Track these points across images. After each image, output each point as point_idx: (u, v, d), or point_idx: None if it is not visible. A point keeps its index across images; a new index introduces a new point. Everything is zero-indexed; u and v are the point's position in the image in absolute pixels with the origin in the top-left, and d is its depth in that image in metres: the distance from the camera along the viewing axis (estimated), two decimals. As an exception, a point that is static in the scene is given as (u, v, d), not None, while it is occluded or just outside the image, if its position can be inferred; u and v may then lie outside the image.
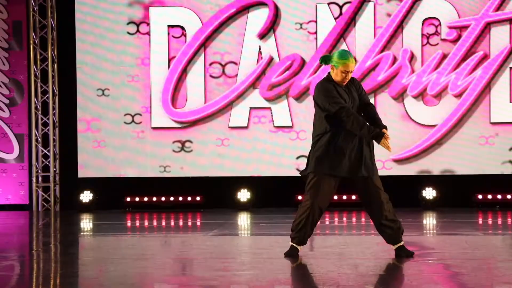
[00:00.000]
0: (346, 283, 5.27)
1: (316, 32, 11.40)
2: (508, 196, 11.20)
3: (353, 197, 11.26)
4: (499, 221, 9.74)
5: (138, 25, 11.59)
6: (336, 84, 6.12)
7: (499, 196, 11.22)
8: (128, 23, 11.59)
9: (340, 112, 5.99)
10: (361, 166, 6.08)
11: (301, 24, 11.42)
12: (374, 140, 6.06)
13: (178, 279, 5.57)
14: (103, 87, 11.57)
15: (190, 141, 11.52)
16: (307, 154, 11.14)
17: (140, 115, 11.54)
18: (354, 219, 10.04)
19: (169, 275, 5.71)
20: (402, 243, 6.24)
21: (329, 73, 6.21)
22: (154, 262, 6.26)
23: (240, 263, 6.20)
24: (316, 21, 11.40)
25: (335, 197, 11.35)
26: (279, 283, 5.30)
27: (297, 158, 11.42)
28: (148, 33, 11.57)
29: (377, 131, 6.00)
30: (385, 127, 6.09)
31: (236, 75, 11.51)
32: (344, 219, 10.17)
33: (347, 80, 6.14)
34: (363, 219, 9.99)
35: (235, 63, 11.50)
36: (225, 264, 6.17)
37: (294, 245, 6.27)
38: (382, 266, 5.96)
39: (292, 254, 6.24)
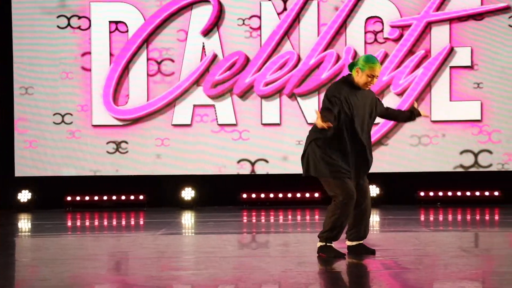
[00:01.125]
0: (283, 281, 5.24)
1: (260, 29, 11.36)
2: (449, 193, 11.40)
3: (307, 194, 11.28)
4: (441, 217, 9.89)
5: (79, 18, 11.33)
6: (352, 87, 6.03)
7: (440, 193, 11.40)
8: (70, 17, 11.31)
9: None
10: (364, 171, 6.17)
11: (243, 20, 11.36)
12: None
13: (135, 279, 5.43)
14: (39, 83, 11.27)
15: (127, 141, 11.31)
16: (251, 152, 11.33)
17: (75, 113, 11.27)
18: (308, 217, 10.05)
19: (125, 274, 5.57)
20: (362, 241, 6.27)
21: (350, 74, 6.11)
22: (104, 262, 6.10)
23: (195, 262, 6.09)
24: (260, 18, 11.36)
25: (289, 195, 11.37)
26: (241, 281, 5.22)
27: (239, 161, 11.36)
28: (88, 28, 11.32)
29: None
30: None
31: (180, 73, 11.38)
32: (298, 217, 10.16)
33: (372, 85, 6.09)
34: (316, 217, 10.01)
35: (177, 60, 11.35)
36: (180, 263, 6.06)
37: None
38: (339, 263, 5.95)
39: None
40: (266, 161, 11.37)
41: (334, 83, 6.18)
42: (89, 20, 11.33)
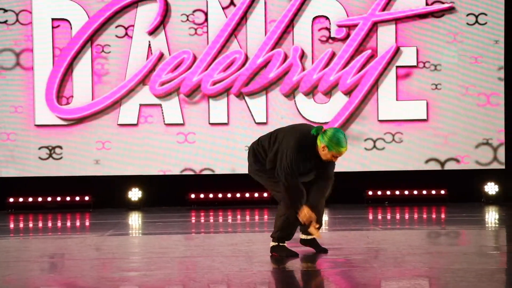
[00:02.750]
0: (239, 280, 5.16)
1: (207, 27, 11.26)
2: (397, 192, 11.48)
3: (256, 194, 11.22)
4: (389, 216, 9.95)
5: (17, 14, 11.05)
6: (309, 153, 5.91)
7: (388, 192, 11.47)
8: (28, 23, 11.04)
9: (284, 179, 5.84)
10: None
11: (187, 16, 11.23)
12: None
13: (85, 281, 5.27)
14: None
15: (72, 141, 11.08)
16: (198, 151, 11.20)
17: (14, 113, 11.00)
18: (257, 217, 9.98)
19: (75, 276, 5.40)
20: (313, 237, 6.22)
21: (313, 136, 5.92)
22: (51, 264, 5.92)
23: (147, 262, 5.96)
24: (206, 19, 11.25)
25: (238, 195, 11.28)
26: (194, 281, 5.12)
27: (183, 169, 11.25)
28: (30, 25, 11.04)
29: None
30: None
31: (125, 72, 11.19)
32: (247, 217, 10.08)
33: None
34: (265, 217, 9.95)
35: (123, 59, 11.16)
36: (131, 264, 5.92)
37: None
38: (293, 262, 5.89)
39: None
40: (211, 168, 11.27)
41: (295, 144, 5.87)
42: (31, 17, 11.04)
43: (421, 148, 11.41)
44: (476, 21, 11.36)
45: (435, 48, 11.40)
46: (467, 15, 11.37)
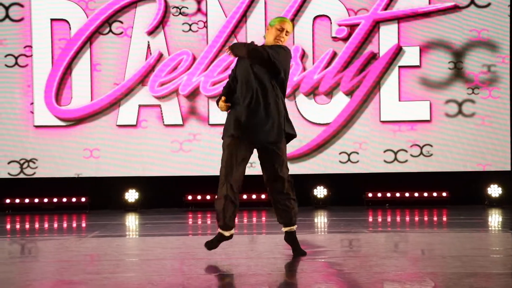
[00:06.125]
0: (223, 283, 5.04)
1: (206, 28, 11.16)
2: (397, 194, 11.27)
3: (253, 196, 11.11)
4: (385, 219, 9.76)
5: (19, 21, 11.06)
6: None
7: (388, 194, 11.27)
8: (20, 20, 11.04)
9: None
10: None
11: (189, 17, 11.15)
12: None
13: (43, 283, 5.19)
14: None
15: (74, 142, 11.05)
16: (198, 153, 11.09)
17: (15, 114, 11.00)
18: (254, 219, 9.87)
19: (34, 279, 5.32)
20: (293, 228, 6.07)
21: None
22: (20, 266, 5.85)
23: (115, 265, 5.86)
24: (206, 16, 11.16)
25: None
26: (153, 284, 5.01)
27: (180, 167, 11.16)
28: (30, 28, 11.04)
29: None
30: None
31: (124, 72, 11.13)
32: (244, 219, 9.94)
33: (283, 41, 5.94)
34: (263, 219, 9.83)
35: (122, 60, 11.11)
36: (98, 267, 5.83)
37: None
38: (264, 265, 5.75)
39: None
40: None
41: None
42: (30, 17, 11.04)
43: (425, 150, 11.18)
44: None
45: (438, 47, 11.15)
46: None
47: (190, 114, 11.19)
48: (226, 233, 6.00)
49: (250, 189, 11.20)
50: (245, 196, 11.19)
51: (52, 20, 11.11)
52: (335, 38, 11.21)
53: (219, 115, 11.19)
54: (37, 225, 9.59)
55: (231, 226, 6.00)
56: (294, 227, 6.07)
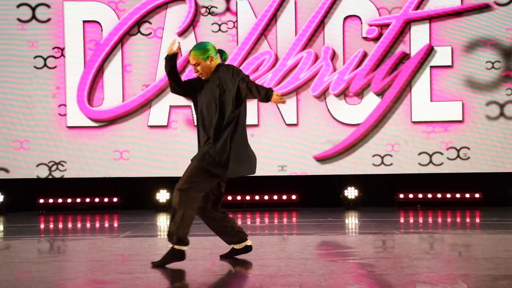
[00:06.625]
0: (254, 284, 5.05)
1: (236, 28, 11.18)
2: (429, 195, 11.19)
3: (284, 197, 11.11)
4: (420, 220, 9.69)
5: (49, 20, 11.17)
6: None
7: (420, 195, 11.19)
8: (47, 21, 11.14)
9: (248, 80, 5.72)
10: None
11: (219, 18, 11.17)
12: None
13: (76, 282, 5.24)
14: (18, 83, 11.11)
15: (104, 142, 11.14)
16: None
17: (50, 116, 11.11)
18: (285, 220, 9.87)
19: (67, 278, 5.38)
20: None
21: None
22: (54, 265, 5.92)
23: (146, 265, 5.89)
24: (236, 16, 11.18)
25: (266, 197, 11.19)
26: (184, 285, 5.03)
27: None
28: (62, 29, 11.15)
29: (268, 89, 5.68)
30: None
31: (155, 73, 11.19)
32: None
33: (201, 76, 5.78)
34: (293, 219, 9.82)
35: (153, 61, 11.17)
36: (130, 266, 5.87)
37: None
38: (294, 266, 5.75)
39: None
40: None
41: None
42: (63, 20, 11.15)
43: (458, 150, 11.08)
44: (514, 19, 11.02)
45: (470, 46, 11.04)
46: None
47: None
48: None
49: (281, 190, 11.22)
50: (275, 197, 11.20)
51: (84, 22, 11.20)
52: (365, 38, 11.16)
53: (250, 116, 11.15)
54: (70, 225, 9.68)
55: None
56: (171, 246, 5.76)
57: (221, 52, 5.89)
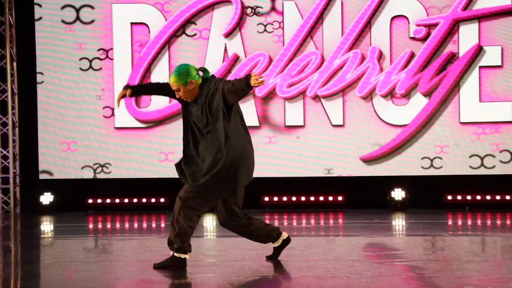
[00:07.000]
0: (302, 286, 5.04)
1: (283, 29, 11.17)
2: (478, 197, 11.03)
3: (330, 198, 11.08)
4: (469, 222, 9.56)
5: (102, 22, 11.30)
6: None
7: (468, 197, 11.03)
8: (91, 22, 11.29)
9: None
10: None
11: (265, 18, 11.17)
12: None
13: (125, 282, 5.30)
14: (64, 85, 11.26)
15: (151, 142, 11.23)
16: (274, 155, 11.11)
17: (98, 115, 11.25)
18: (331, 221, 9.84)
19: (117, 278, 5.44)
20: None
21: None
22: (103, 265, 5.99)
23: (194, 266, 5.93)
24: (282, 17, 11.17)
25: (312, 198, 11.15)
26: (232, 286, 5.05)
27: (256, 169, 11.19)
28: (110, 31, 11.28)
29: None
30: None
31: (202, 74, 11.25)
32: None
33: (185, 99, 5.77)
34: (340, 221, 9.79)
35: (200, 62, 11.22)
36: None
37: None
38: (342, 268, 5.72)
39: None
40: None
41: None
42: (111, 22, 11.27)
43: (508, 152, 10.90)
44: None
45: (520, 46, 10.89)
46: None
47: (266, 116, 11.22)
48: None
49: (327, 191, 11.18)
50: (321, 198, 11.17)
51: (132, 23, 11.31)
52: (413, 39, 11.06)
53: (295, 117, 11.20)
54: (118, 225, 9.79)
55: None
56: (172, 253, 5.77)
57: (203, 70, 5.82)
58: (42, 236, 8.90)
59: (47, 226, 9.87)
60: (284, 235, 6.06)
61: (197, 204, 5.65)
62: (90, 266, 5.98)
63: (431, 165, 11.00)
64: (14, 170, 11.53)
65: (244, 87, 5.50)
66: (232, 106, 5.67)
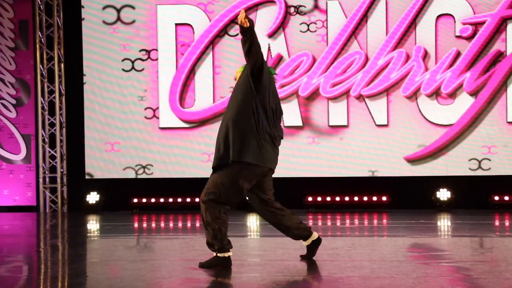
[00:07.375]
0: (347, 286, 5.02)
1: (326, 28, 11.13)
2: (526, 197, 10.86)
3: (374, 198, 11.03)
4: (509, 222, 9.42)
5: (144, 23, 11.40)
6: None
7: (515, 197, 10.88)
8: (131, 22, 11.39)
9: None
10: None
11: (309, 18, 11.15)
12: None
13: (171, 281, 5.34)
14: (108, 87, 11.39)
15: (195, 143, 11.30)
16: (318, 155, 11.08)
17: (141, 117, 11.34)
18: (375, 221, 9.78)
19: (163, 277, 5.48)
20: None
21: None
22: (149, 264, 6.04)
23: (239, 265, 5.95)
24: (326, 18, 11.13)
25: (356, 198, 11.10)
26: (277, 285, 5.05)
27: (302, 169, 11.16)
28: (155, 31, 11.37)
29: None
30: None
31: (245, 74, 11.26)
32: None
33: None
34: (384, 221, 9.72)
35: (243, 62, 11.23)
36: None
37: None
38: (387, 268, 5.68)
39: None
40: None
41: None
42: (156, 23, 11.36)
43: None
44: None
45: None
46: None
47: (309, 117, 11.20)
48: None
49: (371, 191, 11.11)
50: (365, 198, 11.11)
51: (176, 24, 11.39)
52: (459, 37, 10.93)
53: (338, 117, 11.15)
54: (162, 224, 9.87)
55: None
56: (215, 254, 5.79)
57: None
58: (89, 234, 9.01)
59: (93, 225, 9.99)
60: (315, 235, 6.04)
61: (218, 200, 5.63)
62: (136, 264, 6.03)
63: (479, 167, 10.86)
64: (62, 170, 11.71)
65: (244, 30, 5.66)
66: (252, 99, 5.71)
